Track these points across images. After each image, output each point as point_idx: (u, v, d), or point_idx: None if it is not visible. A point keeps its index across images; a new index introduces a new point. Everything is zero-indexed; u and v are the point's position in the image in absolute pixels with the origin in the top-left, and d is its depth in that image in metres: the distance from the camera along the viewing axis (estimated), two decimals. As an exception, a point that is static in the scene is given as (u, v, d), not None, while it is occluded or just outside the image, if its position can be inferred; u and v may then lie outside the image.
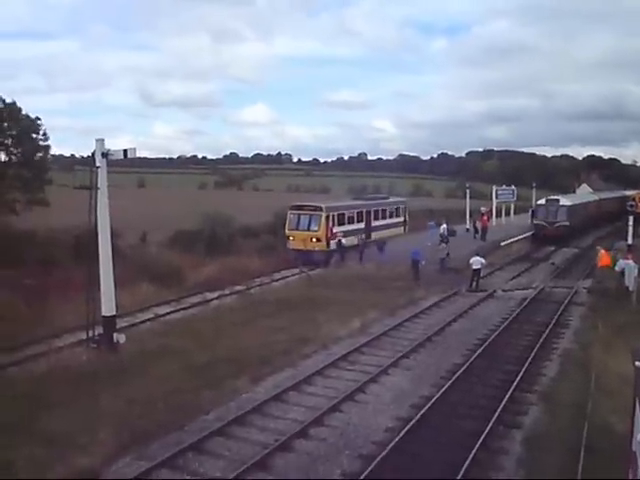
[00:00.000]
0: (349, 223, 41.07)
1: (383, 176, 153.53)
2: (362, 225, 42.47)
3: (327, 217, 38.56)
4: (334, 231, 38.65)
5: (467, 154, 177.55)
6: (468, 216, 52.76)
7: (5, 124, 32.15)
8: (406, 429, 13.42)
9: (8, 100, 32.60)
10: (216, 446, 12.97)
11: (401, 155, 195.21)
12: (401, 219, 50.01)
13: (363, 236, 40.25)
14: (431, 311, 25.75)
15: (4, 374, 17.66)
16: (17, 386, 16.31)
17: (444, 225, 44.86)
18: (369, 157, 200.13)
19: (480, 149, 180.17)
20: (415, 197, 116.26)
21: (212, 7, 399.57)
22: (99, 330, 19.44)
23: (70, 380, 16.40)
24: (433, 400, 15.17)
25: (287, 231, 39.07)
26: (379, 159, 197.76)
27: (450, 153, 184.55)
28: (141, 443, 13.00)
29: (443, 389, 15.97)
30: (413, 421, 13.85)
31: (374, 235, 43.23)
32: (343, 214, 40.79)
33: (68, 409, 14.54)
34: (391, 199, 52.05)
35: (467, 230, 49.58)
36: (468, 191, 55.69)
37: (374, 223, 44.56)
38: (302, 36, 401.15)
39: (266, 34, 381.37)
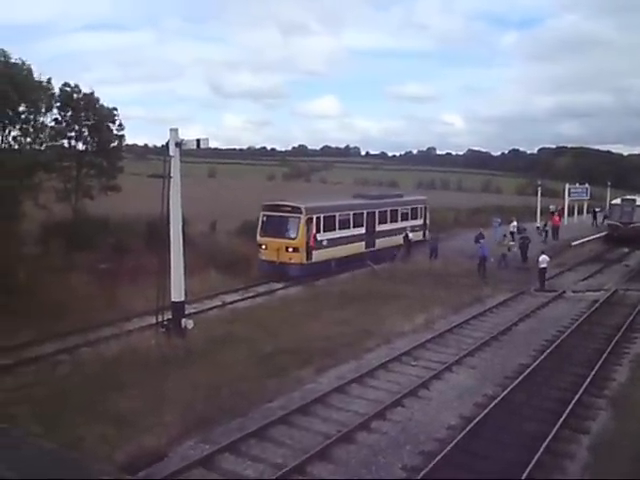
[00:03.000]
0: (342, 228, 33.24)
1: (452, 171, 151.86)
2: (361, 230, 35.00)
3: (308, 221, 30.58)
4: (318, 238, 31.10)
5: (539, 150, 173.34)
6: (539, 214, 51.58)
7: (82, 113, 33.11)
8: (469, 427, 13.30)
9: (86, 90, 33.58)
10: (279, 434, 13.16)
11: (470, 150, 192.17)
12: (418, 222, 41.40)
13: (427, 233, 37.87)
14: (498, 309, 25.35)
15: (78, 354, 18.38)
16: (89, 366, 16.97)
17: (514, 223, 44.15)
18: (438, 152, 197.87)
19: (553, 146, 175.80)
20: (485, 193, 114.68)
21: (281, 1, 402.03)
22: (168, 315, 19.93)
23: (139, 363, 16.93)
24: (497, 400, 14.96)
25: (258, 237, 31.18)
26: (448, 154, 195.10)
27: (521, 149, 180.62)
28: (205, 427, 13.32)
29: (508, 389, 15.72)
30: (476, 420, 13.71)
31: (379, 243, 36.37)
32: (332, 217, 32.64)
33: (136, 390, 15.03)
34: (406, 197, 43.24)
35: (537, 228, 48.45)
36: (539, 188, 54.44)
37: (380, 227, 36.76)
38: (370, 29, 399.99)
39: (334, 27, 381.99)
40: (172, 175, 19.43)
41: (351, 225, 34.10)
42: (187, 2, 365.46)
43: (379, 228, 36.65)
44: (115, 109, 34.25)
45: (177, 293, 19.95)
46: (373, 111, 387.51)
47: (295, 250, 30.05)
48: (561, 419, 13.79)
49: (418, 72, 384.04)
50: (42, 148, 30.78)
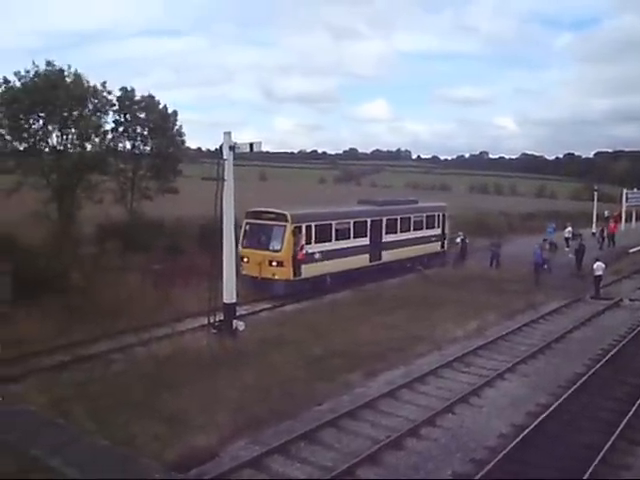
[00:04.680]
0: (339, 239, 29.05)
1: (505, 175, 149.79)
2: (364, 241, 30.73)
3: (295, 230, 26.52)
4: (308, 251, 27.02)
5: (595, 154, 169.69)
6: (595, 220, 50.45)
7: (142, 115, 33.83)
8: (521, 437, 13.05)
9: (145, 93, 34.31)
10: (328, 437, 13.16)
11: (524, 154, 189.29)
12: (435, 232, 37.20)
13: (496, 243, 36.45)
14: (552, 317, 24.86)
15: (131, 353, 18.73)
16: (142, 365, 17.26)
17: (569, 228, 43.34)
18: (490, 155, 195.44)
19: (609, 150, 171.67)
20: (539, 198, 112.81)
21: (332, 6, 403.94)
22: (220, 317, 20.16)
23: (191, 363, 17.17)
24: (551, 409, 14.65)
25: (240, 249, 26.35)
26: (501, 158, 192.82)
27: (577, 153, 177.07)
28: (256, 428, 13.37)
29: (562, 398, 15.38)
30: (529, 429, 13.44)
31: (387, 256, 32.30)
32: (327, 226, 28.41)
33: (188, 390, 15.22)
34: (422, 204, 38.18)
35: (593, 234, 47.41)
36: (596, 193, 53.24)
37: (387, 238, 32.47)
38: (420, 32, 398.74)
39: (384, 30, 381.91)
40: (225, 178, 19.67)
41: (351, 235, 29.86)
42: (240, 7, 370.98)
43: (387, 239, 32.38)
44: (176, 113, 34.91)
45: (229, 295, 20.19)
46: (424, 114, 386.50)
47: (280, 264, 26.01)
48: (617, 430, 13.42)
49: (469, 75, 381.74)
50: (99, 150, 31.60)
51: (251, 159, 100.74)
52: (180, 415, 13.74)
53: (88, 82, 31.00)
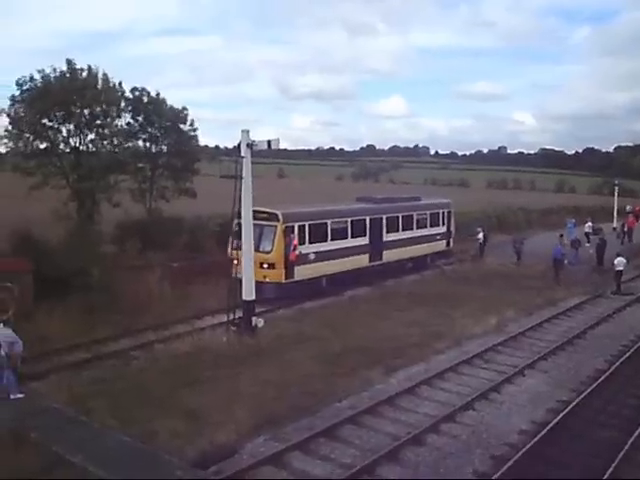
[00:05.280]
0: (336, 238, 27.62)
1: (524, 171, 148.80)
2: (363, 241, 29.35)
3: (286, 230, 24.96)
4: (302, 252, 25.47)
5: (615, 149, 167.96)
6: (615, 215, 49.96)
7: (153, 116, 33.98)
8: (542, 433, 12.97)
9: (153, 93, 34.42)
10: (348, 434, 13.16)
11: (543, 149, 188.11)
12: (440, 230, 35.80)
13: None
14: (572, 313, 24.66)
15: (152, 350, 18.86)
16: (163, 362, 17.40)
17: (589, 223, 42.95)
18: (509, 150, 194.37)
19: (630, 144, 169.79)
20: (558, 193, 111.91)
21: (347, 3, 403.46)
22: (239, 314, 20.25)
23: (211, 360, 17.31)
24: (572, 405, 14.56)
25: (229, 250, 24.11)
26: (520, 153, 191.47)
27: (596, 147, 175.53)
28: (275, 424, 13.41)
29: (583, 395, 15.28)
30: (550, 426, 13.36)
31: (388, 256, 30.90)
32: (322, 225, 27.03)
33: (208, 387, 15.34)
34: (425, 201, 36.80)
35: (613, 229, 46.96)
36: (617, 188, 52.69)
37: (388, 237, 31.12)
38: (436, 28, 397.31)
39: (400, 26, 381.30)
40: (243, 176, 19.74)
41: (349, 235, 28.51)
42: (256, 5, 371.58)
43: (387, 238, 31.00)
44: (185, 109, 34.97)
45: (248, 292, 20.26)
46: (441, 110, 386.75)
47: (271, 266, 24.42)
48: (640, 427, 13.31)
49: (486, 70, 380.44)
50: (117, 150, 31.84)
51: (269, 157, 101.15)
52: (200, 411, 13.82)
53: (114, 83, 31.28)
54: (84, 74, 30.37)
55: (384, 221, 30.86)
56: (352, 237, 28.60)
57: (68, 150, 30.94)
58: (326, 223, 27.25)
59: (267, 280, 24.17)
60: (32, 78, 29.55)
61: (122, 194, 32.35)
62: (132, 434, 12.61)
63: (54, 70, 29.80)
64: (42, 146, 30.50)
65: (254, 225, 23.52)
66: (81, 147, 30.92)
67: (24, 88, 29.52)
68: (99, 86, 30.37)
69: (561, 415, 13.94)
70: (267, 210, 25.04)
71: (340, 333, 19.97)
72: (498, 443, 12.91)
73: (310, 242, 26.08)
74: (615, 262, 29.14)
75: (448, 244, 36.61)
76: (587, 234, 41.58)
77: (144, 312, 22.16)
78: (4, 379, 14.83)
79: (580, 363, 18.38)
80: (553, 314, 23.97)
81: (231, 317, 20.31)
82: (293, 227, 25.29)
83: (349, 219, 28.76)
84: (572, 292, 27.83)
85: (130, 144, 33.33)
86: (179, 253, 28.72)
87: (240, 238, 23.98)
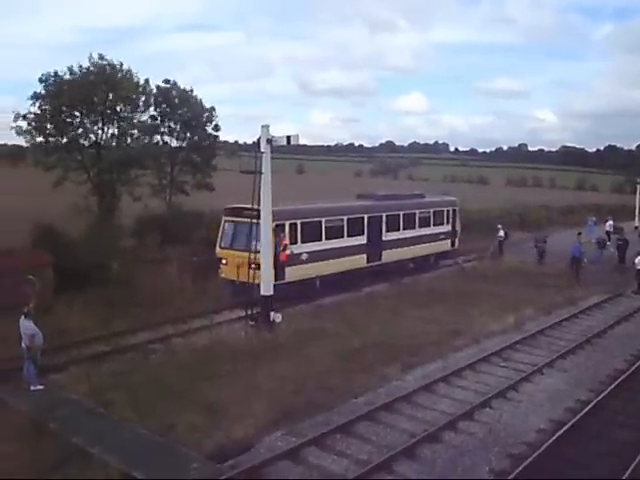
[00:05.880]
0: (331, 237, 26.12)
1: (544, 168, 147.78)
2: (361, 240, 27.88)
3: (277, 228, 22.95)
4: (293, 251, 23.98)
5: (637, 147, 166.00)
6: (637, 213, 49.43)
7: (179, 111, 34.15)
8: (560, 433, 12.88)
9: (184, 87, 34.65)
10: (364, 430, 13.15)
11: (564, 146, 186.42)
12: (444, 229, 34.32)
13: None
14: (591, 312, 24.42)
15: (170, 344, 18.98)
16: (181, 356, 17.52)
17: (610, 222, 42.54)
18: (529, 148, 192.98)
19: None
20: (579, 191, 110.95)
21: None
22: (257, 309, 20.31)
23: (228, 354, 17.40)
24: (591, 405, 14.44)
25: (218, 249, 24.80)
26: (540, 150, 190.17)
27: (618, 145, 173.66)
28: (292, 419, 13.44)
29: (602, 394, 15.14)
30: (568, 425, 13.26)
31: (388, 256, 29.49)
32: (315, 223, 25.42)
33: (226, 381, 15.42)
34: (429, 198, 35.12)
35: (635, 228, 46.48)
36: (638, 186, 52.16)
37: (388, 236, 29.63)
38: (457, 24, 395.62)
39: (421, 23, 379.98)
40: (263, 171, 19.77)
41: (345, 233, 27.02)
42: (277, 1, 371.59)
43: (387, 237, 29.54)
44: (213, 109, 35.15)
45: (266, 287, 20.31)
46: (461, 107, 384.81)
47: (259, 267, 22.01)
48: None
49: (507, 67, 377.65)
50: (138, 144, 32.03)
51: (288, 152, 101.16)
52: (218, 405, 13.89)
53: (138, 78, 31.46)
54: (107, 69, 30.54)
55: (384, 219, 29.46)
56: (348, 236, 27.17)
57: (89, 144, 31.14)
58: (320, 221, 25.69)
59: (256, 281, 21.97)
60: (56, 74, 29.77)
61: (142, 188, 32.53)
62: (150, 427, 12.73)
63: (78, 66, 30.05)
64: (63, 141, 30.71)
65: (241, 223, 23.48)
66: (102, 142, 31.11)
67: (47, 83, 29.75)
68: (121, 81, 30.52)
69: (580, 415, 13.83)
70: (255, 207, 22.82)
71: (357, 329, 19.97)
72: (515, 442, 12.83)
73: (303, 241, 24.60)
74: (636, 261, 28.80)
75: (453, 244, 35.28)
76: (608, 233, 41.19)
77: (163, 306, 22.33)
78: (25, 370, 15.04)
79: (599, 362, 18.21)
80: (572, 313, 23.76)
81: (249, 312, 20.40)
82: (284, 225, 23.80)
83: (345, 217, 27.28)
84: (592, 291, 27.56)
85: (151, 139, 33.52)
86: (198, 247, 28.85)
87: (226, 238, 24.56)
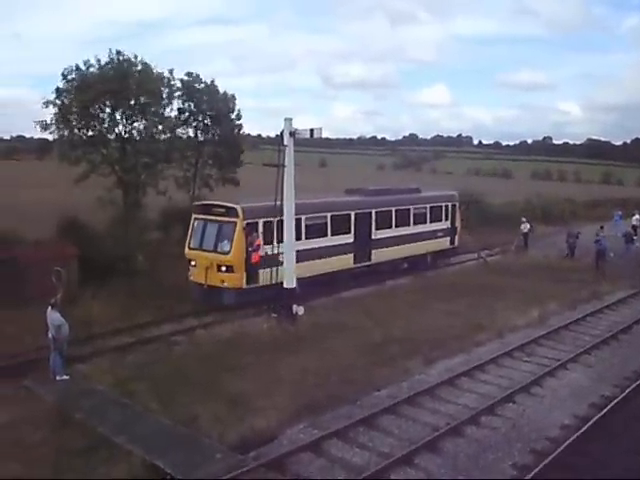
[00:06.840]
0: (312, 236, 24.01)
1: (569, 162, 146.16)
2: (347, 239, 25.89)
3: (248, 227, 21.80)
4: (267, 252, 21.66)
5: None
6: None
7: (205, 105, 34.23)
8: (584, 429, 12.78)
9: (207, 80, 34.70)
10: (387, 423, 13.16)
11: (589, 139, 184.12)
12: (443, 225, 32.23)
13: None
14: (617, 307, 24.12)
15: (193, 336, 19.13)
16: (204, 347, 17.66)
17: (636, 216, 41.98)
18: (554, 141, 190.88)
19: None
20: (605, 185, 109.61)
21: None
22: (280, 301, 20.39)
23: (251, 346, 17.54)
24: (616, 401, 14.30)
25: (186, 250, 23.18)
26: (565, 143, 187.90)
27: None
28: (314, 412, 13.49)
29: (627, 390, 14.98)
30: (592, 421, 13.16)
31: (378, 255, 27.56)
32: (294, 221, 20.97)
33: (248, 372, 15.53)
34: (426, 193, 32.59)
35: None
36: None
37: (379, 234, 27.57)
38: (480, 16, 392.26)
39: (443, 15, 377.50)
40: (286, 164, 19.79)
41: (328, 232, 25.08)
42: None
43: (378, 235, 27.51)
44: (234, 97, 35.18)
45: (289, 280, 20.37)
46: (484, 100, 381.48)
47: (229, 269, 21.35)
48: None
49: (531, 59, 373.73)
50: (163, 138, 32.16)
51: (311, 145, 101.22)
52: (241, 397, 13.99)
53: (158, 71, 31.54)
54: (131, 63, 30.67)
55: (373, 216, 27.37)
56: (332, 235, 25.24)
57: (114, 138, 31.33)
58: (299, 219, 22.52)
59: (225, 285, 21.45)
60: (78, 67, 29.97)
61: (166, 181, 32.73)
62: (174, 417, 12.85)
63: (98, 61, 30.18)
64: (89, 134, 30.92)
65: (210, 222, 22.48)
66: (127, 135, 31.27)
67: (69, 78, 29.95)
68: (145, 74, 30.63)
69: (604, 411, 13.70)
70: (225, 204, 22.48)
71: (380, 323, 19.96)
72: (539, 437, 12.75)
73: (279, 241, 21.54)
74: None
75: (452, 242, 33.17)
76: (634, 227, 40.66)
77: (186, 298, 22.47)
78: (51, 361, 15.25)
79: (625, 358, 18.00)
80: (597, 308, 23.51)
81: (272, 304, 20.47)
82: (256, 224, 22.02)
83: (328, 214, 25.22)
84: (618, 286, 27.23)
85: (178, 133, 33.64)
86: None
87: (195, 237, 23.02)
